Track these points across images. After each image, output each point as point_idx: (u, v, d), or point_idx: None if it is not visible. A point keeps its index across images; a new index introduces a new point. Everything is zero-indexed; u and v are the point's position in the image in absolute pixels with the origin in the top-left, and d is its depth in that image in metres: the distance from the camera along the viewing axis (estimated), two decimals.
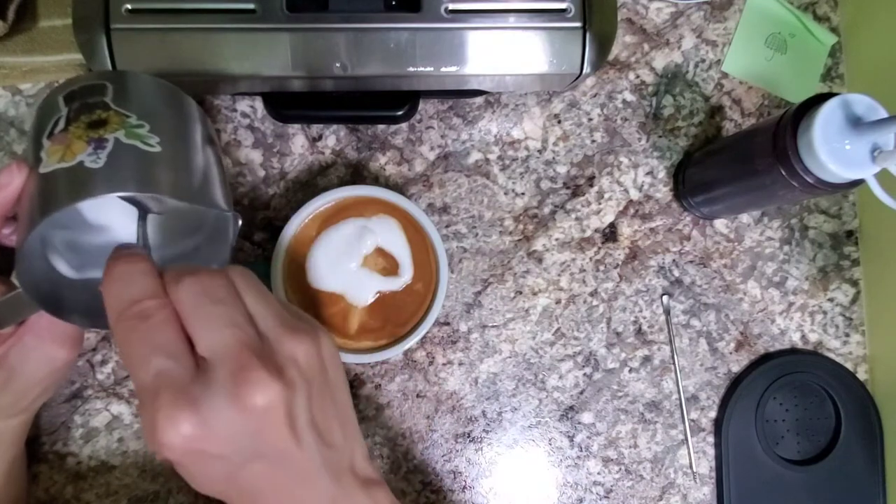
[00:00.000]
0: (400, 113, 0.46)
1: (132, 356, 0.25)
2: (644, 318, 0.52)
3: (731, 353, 0.52)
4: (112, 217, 0.37)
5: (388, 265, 0.44)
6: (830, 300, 0.53)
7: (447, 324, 0.50)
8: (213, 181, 0.34)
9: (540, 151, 0.51)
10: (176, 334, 0.25)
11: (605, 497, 0.51)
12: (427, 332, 0.46)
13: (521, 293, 0.51)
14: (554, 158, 0.51)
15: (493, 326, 0.50)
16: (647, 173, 0.52)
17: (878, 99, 0.37)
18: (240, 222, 0.36)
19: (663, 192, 0.52)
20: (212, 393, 0.24)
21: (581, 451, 0.51)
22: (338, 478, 0.27)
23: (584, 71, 0.43)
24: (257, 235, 0.49)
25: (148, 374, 0.24)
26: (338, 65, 0.42)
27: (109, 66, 0.40)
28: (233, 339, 0.25)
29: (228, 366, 0.25)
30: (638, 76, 0.52)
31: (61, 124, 0.31)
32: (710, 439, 0.52)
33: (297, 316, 0.28)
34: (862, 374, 0.53)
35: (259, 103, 0.49)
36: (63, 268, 0.36)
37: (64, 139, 0.30)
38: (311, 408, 0.26)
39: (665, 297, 0.52)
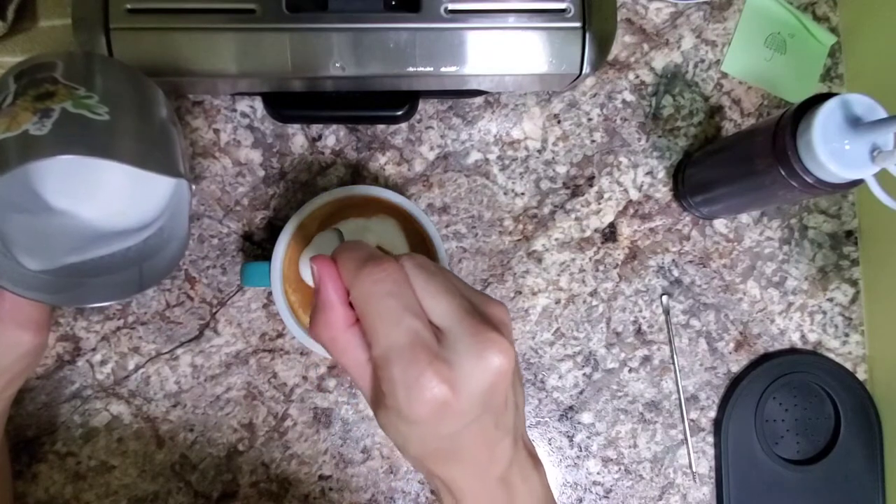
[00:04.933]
0: (400, 113, 0.46)
1: (382, 312, 0.26)
2: (644, 318, 0.52)
3: (730, 353, 0.52)
4: (72, 203, 0.38)
5: None
6: (830, 300, 0.53)
7: None
8: (165, 151, 0.35)
9: (539, 151, 0.51)
10: (415, 297, 0.26)
11: (605, 497, 0.51)
12: None
13: (520, 293, 0.51)
14: (553, 158, 0.51)
15: None
16: (647, 173, 0.52)
17: (878, 99, 0.37)
18: (193, 188, 0.37)
19: (663, 192, 0.52)
20: (458, 353, 0.25)
21: (581, 450, 0.51)
22: (516, 442, 0.29)
23: (583, 71, 0.43)
24: (257, 235, 0.49)
25: (402, 332, 0.25)
26: (337, 65, 0.42)
27: None
28: (459, 308, 0.27)
29: (469, 328, 0.26)
30: (637, 76, 0.52)
31: (9, 100, 0.32)
32: (710, 439, 0.52)
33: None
34: (861, 374, 0.53)
35: (259, 103, 0.49)
36: (27, 260, 0.37)
37: (10, 112, 0.31)
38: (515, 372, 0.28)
39: (664, 297, 0.52)
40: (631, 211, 0.52)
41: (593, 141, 0.52)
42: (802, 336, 0.53)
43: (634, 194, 0.52)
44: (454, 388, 0.25)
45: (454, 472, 0.28)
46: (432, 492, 0.50)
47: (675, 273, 0.52)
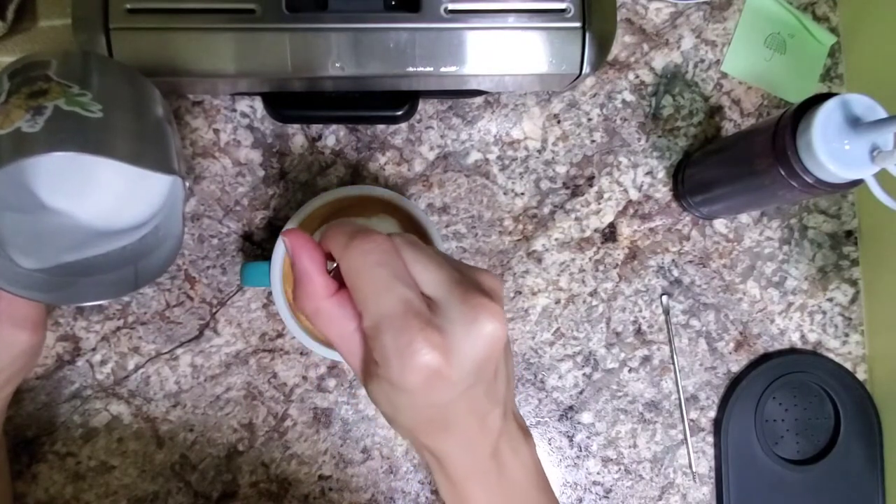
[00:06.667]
0: (399, 113, 0.46)
1: (373, 281, 0.26)
2: (643, 318, 0.52)
3: (730, 352, 0.52)
4: (67, 201, 0.38)
5: None
6: (830, 300, 0.53)
7: None
8: (159, 148, 0.35)
9: (539, 151, 0.51)
10: (406, 268, 0.26)
11: (605, 497, 0.51)
12: None
13: (520, 293, 0.51)
14: (553, 158, 0.51)
15: None
16: (647, 173, 0.52)
17: (878, 99, 0.37)
18: (188, 185, 0.37)
19: (663, 192, 0.52)
20: (450, 320, 0.25)
21: (580, 450, 0.51)
22: (505, 414, 0.29)
23: (583, 71, 0.43)
24: (257, 235, 0.49)
25: (393, 300, 0.25)
26: (337, 65, 0.42)
27: None
28: (450, 278, 0.26)
29: (460, 296, 0.26)
30: (637, 76, 0.52)
31: (2, 97, 0.32)
32: (710, 439, 0.52)
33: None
34: (861, 374, 0.53)
35: (259, 103, 0.49)
36: (22, 259, 0.37)
37: (3, 109, 0.31)
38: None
39: (664, 297, 0.52)
40: (631, 211, 0.52)
41: (593, 141, 0.52)
42: (802, 336, 0.53)
43: (634, 194, 0.52)
44: (446, 354, 0.25)
45: (444, 444, 0.28)
46: (432, 492, 0.50)
47: (675, 273, 0.52)
